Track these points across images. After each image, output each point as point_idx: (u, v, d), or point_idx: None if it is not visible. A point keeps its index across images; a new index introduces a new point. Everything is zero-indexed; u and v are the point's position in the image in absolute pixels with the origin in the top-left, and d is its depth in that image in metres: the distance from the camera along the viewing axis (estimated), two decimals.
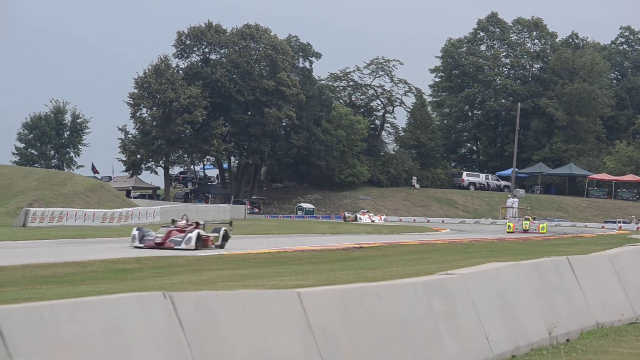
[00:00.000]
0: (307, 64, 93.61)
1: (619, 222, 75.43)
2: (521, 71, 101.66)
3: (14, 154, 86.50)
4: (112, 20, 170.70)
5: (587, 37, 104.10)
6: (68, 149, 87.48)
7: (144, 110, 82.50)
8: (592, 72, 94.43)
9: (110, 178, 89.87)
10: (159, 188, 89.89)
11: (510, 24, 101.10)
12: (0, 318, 5.49)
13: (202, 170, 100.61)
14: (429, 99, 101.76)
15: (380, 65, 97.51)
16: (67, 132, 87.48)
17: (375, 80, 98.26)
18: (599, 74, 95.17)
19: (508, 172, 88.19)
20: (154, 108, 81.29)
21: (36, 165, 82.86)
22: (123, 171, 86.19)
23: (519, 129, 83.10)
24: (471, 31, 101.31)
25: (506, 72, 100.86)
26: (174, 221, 29.32)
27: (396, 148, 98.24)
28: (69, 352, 5.74)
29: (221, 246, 28.45)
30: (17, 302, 6.17)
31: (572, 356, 10.27)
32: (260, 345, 7.05)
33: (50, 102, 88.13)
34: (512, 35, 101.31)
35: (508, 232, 50.51)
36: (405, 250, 30.92)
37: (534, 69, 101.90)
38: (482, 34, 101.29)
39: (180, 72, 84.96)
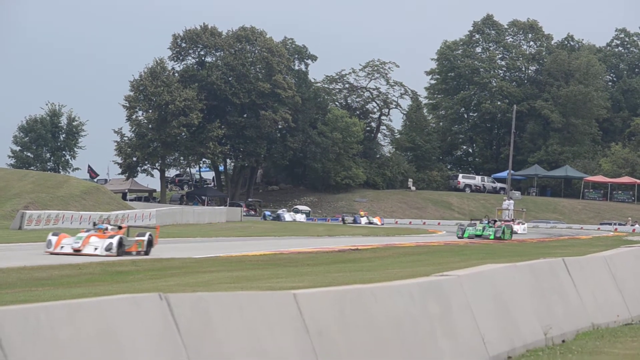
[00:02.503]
0: (302, 67, 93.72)
1: (615, 224, 75.51)
2: (517, 73, 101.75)
3: (9, 156, 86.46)
4: (108, 23, 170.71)
5: (582, 40, 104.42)
6: (64, 152, 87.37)
7: (140, 112, 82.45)
8: (588, 74, 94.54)
9: (106, 181, 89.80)
10: (155, 190, 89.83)
11: (506, 26, 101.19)
12: None
13: (198, 172, 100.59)
14: (424, 101, 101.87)
15: (376, 68, 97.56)
16: (63, 135, 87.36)
17: (371, 82, 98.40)
18: (594, 76, 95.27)
19: (504, 174, 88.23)
20: (150, 111, 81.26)
21: (32, 168, 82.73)
22: (119, 174, 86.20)
23: (515, 131, 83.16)
24: (467, 33, 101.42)
25: (502, 74, 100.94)
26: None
27: (392, 150, 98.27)
28: (65, 353, 5.74)
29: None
30: (13, 304, 6.17)
31: (568, 357, 10.28)
32: (256, 346, 7.05)
33: (46, 105, 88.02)
34: (507, 38, 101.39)
35: None
36: (401, 252, 30.94)
37: (529, 71, 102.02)
38: (477, 36, 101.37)
39: (176, 74, 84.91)
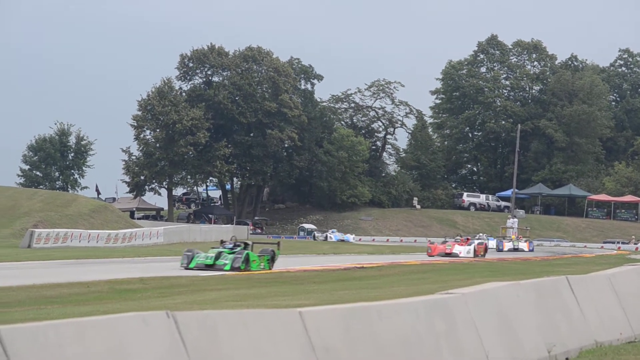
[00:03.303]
0: (308, 86, 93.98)
1: (618, 242, 75.38)
2: (521, 93, 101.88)
3: (19, 175, 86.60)
4: (116, 43, 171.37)
5: (586, 60, 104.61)
6: (72, 171, 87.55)
7: (148, 132, 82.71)
8: (592, 94, 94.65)
9: (114, 199, 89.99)
10: (162, 209, 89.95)
11: (510, 46, 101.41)
12: (5, 337, 5.58)
13: (205, 191, 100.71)
14: (429, 120, 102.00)
15: (381, 87, 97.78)
16: (72, 154, 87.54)
17: (376, 102, 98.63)
18: (598, 96, 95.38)
19: (508, 192, 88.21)
20: (157, 130, 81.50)
21: (41, 186, 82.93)
22: (127, 192, 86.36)
23: (519, 150, 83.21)
24: (471, 53, 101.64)
25: (506, 94, 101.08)
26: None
27: (397, 169, 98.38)
28: None
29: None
30: (22, 321, 6.28)
31: None
32: None
33: (55, 124, 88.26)
34: (512, 58, 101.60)
35: None
36: (407, 270, 30.97)
37: (533, 91, 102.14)
38: (482, 56, 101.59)
39: (183, 94, 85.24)
